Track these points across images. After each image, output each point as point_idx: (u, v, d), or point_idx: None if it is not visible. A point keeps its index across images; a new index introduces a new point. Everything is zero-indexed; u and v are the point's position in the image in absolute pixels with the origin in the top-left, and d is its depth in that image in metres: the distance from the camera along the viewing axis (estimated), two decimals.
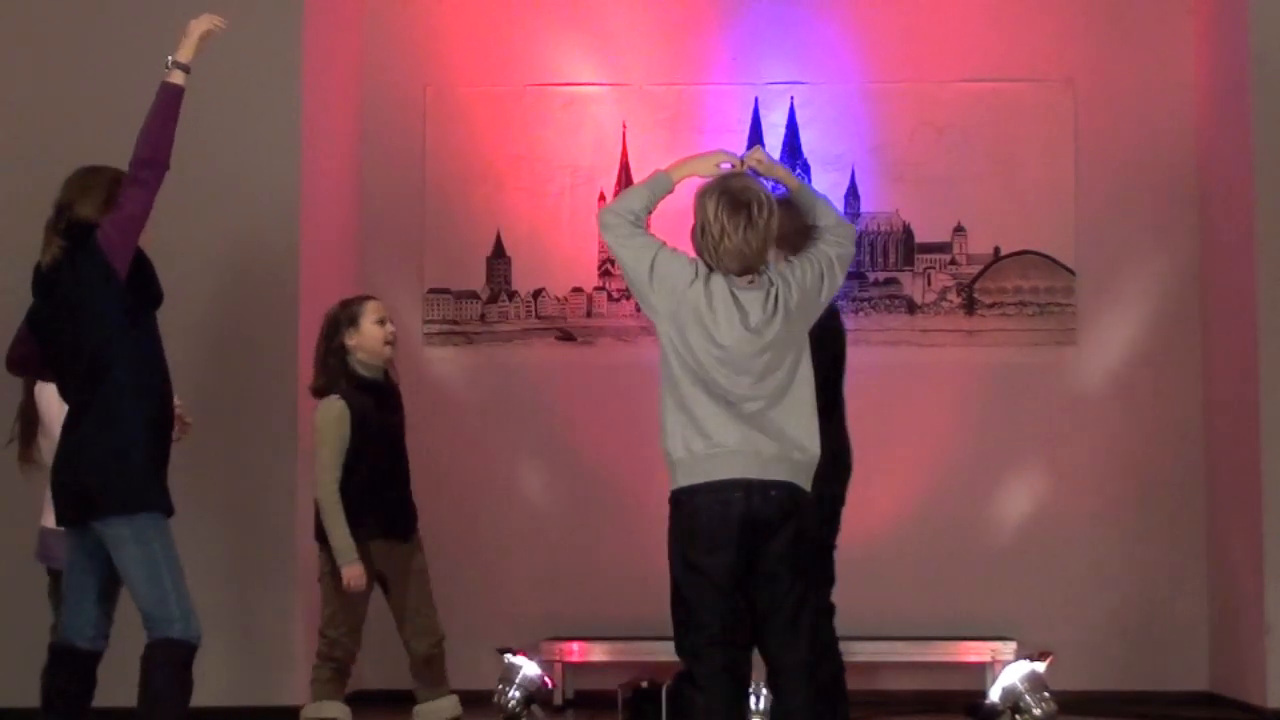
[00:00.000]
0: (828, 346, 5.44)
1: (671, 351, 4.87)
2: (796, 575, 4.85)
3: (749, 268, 4.87)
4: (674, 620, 4.90)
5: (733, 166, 5.06)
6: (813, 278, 4.96)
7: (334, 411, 6.34)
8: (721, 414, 4.81)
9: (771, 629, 4.86)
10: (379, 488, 6.40)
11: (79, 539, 5.47)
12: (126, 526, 5.32)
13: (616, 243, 4.94)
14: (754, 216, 4.82)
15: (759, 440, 4.81)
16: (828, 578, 5.69)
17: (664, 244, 4.92)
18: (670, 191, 5.02)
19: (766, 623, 4.86)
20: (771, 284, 4.89)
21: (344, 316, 6.46)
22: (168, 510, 5.45)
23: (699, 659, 4.83)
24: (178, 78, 5.48)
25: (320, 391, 6.44)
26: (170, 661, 5.33)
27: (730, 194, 4.86)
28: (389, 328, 6.50)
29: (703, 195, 4.90)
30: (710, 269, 4.87)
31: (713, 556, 4.79)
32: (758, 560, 4.82)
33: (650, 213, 4.98)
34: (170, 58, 5.49)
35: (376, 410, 6.41)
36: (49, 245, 5.44)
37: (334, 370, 6.43)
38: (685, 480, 4.84)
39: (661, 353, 4.90)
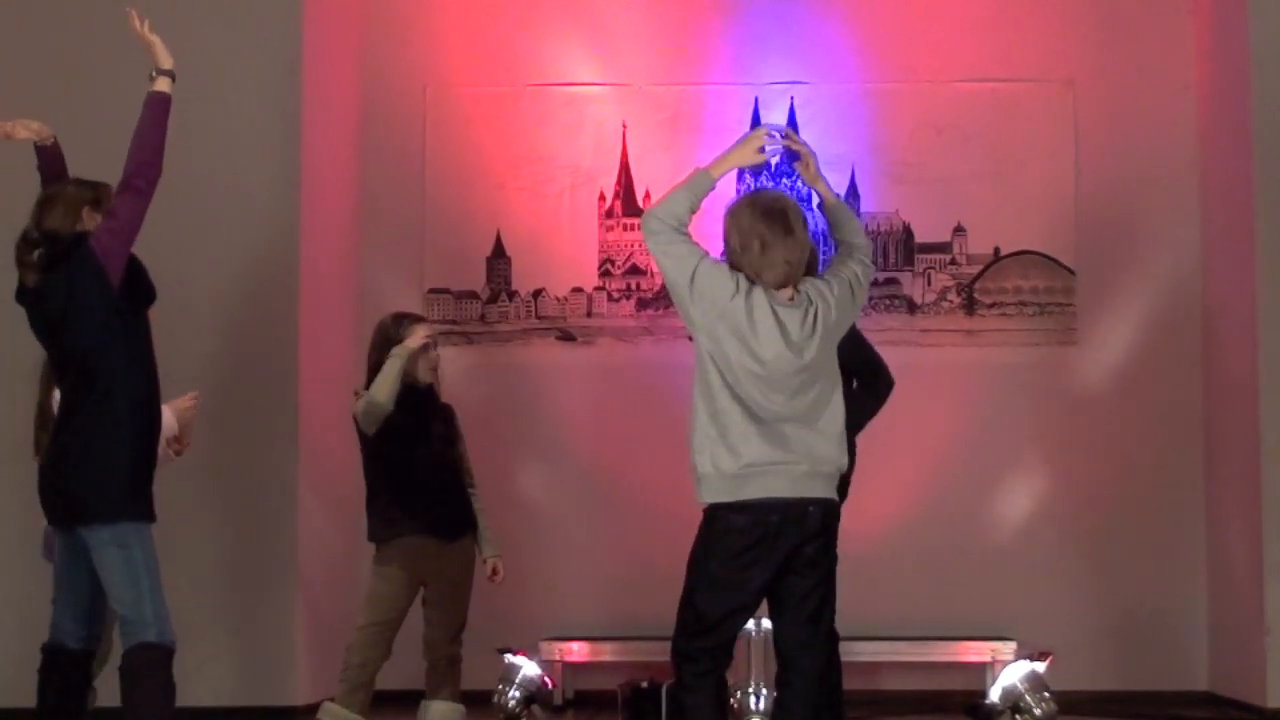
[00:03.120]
0: None
1: (710, 365, 4.85)
2: (824, 575, 4.92)
3: (790, 277, 4.87)
4: (679, 620, 4.94)
5: (777, 147, 5.06)
6: (845, 295, 4.99)
7: (360, 400, 6.42)
8: (753, 431, 4.81)
9: (791, 626, 4.92)
10: (411, 490, 6.48)
11: (69, 540, 5.46)
12: (107, 531, 5.32)
13: (659, 249, 4.90)
14: (791, 224, 4.85)
15: (788, 459, 4.82)
16: None
17: (706, 254, 4.89)
18: (712, 189, 4.98)
19: (787, 620, 4.92)
20: (811, 302, 4.89)
21: (394, 332, 6.51)
22: (151, 517, 5.45)
23: (693, 661, 4.89)
24: (165, 85, 5.50)
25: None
26: (148, 665, 5.33)
27: (763, 205, 4.88)
28: (433, 354, 6.57)
29: (735, 215, 4.90)
30: (751, 283, 4.86)
31: (748, 572, 4.84)
32: (790, 562, 4.88)
33: (694, 213, 4.94)
34: (154, 68, 5.50)
35: (410, 416, 6.45)
36: (29, 267, 5.39)
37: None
38: (713, 497, 4.86)
39: (699, 363, 4.88)
